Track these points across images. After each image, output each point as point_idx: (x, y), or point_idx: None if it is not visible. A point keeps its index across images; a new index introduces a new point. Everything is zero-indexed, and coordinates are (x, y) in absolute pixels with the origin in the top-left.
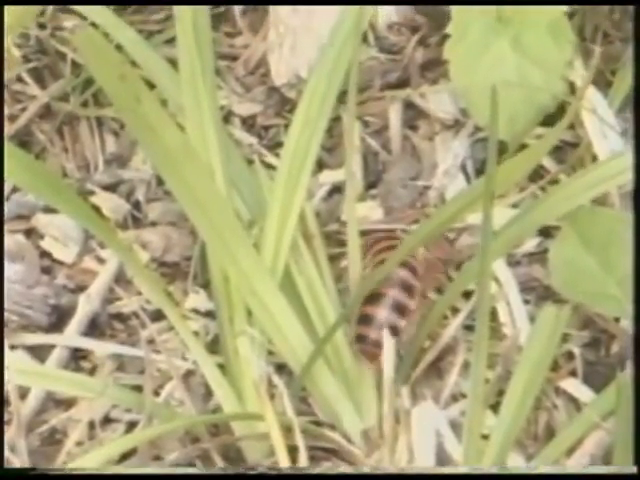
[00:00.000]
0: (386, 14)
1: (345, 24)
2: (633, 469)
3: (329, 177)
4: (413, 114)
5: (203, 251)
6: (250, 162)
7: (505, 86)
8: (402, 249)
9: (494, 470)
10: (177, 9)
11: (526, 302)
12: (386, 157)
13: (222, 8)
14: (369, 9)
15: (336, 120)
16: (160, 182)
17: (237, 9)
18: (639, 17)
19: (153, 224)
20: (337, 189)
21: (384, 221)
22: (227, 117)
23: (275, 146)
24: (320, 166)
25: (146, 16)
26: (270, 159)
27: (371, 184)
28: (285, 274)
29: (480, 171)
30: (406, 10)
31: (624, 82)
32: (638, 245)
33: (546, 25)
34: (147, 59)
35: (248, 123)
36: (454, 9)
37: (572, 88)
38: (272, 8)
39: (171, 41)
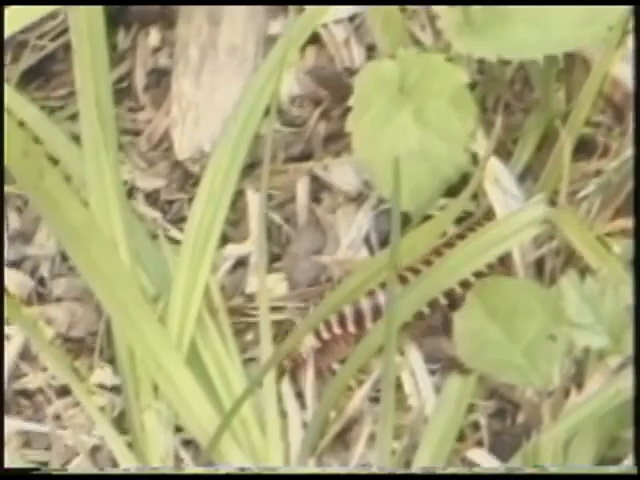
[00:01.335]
0: (288, 87)
1: (248, 98)
2: (633, 469)
3: (233, 250)
4: (316, 187)
5: (108, 326)
6: (154, 237)
7: (408, 157)
8: (308, 321)
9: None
10: (79, 85)
11: (431, 373)
12: (290, 230)
13: (124, 83)
14: (272, 83)
15: (239, 194)
16: (64, 258)
17: (139, 84)
18: (639, 17)
19: (58, 300)
20: (241, 262)
21: (288, 296)
22: (130, 192)
23: (179, 220)
24: (224, 240)
25: (48, 92)
26: (174, 233)
27: (275, 257)
28: (191, 348)
29: (384, 243)
30: (308, 83)
31: (525, 151)
32: (638, 250)
33: (448, 96)
34: (50, 135)
35: (152, 198)
36: (356, 81)
37: (475, 159)
38: (175, 83)
39: (74, 117)
